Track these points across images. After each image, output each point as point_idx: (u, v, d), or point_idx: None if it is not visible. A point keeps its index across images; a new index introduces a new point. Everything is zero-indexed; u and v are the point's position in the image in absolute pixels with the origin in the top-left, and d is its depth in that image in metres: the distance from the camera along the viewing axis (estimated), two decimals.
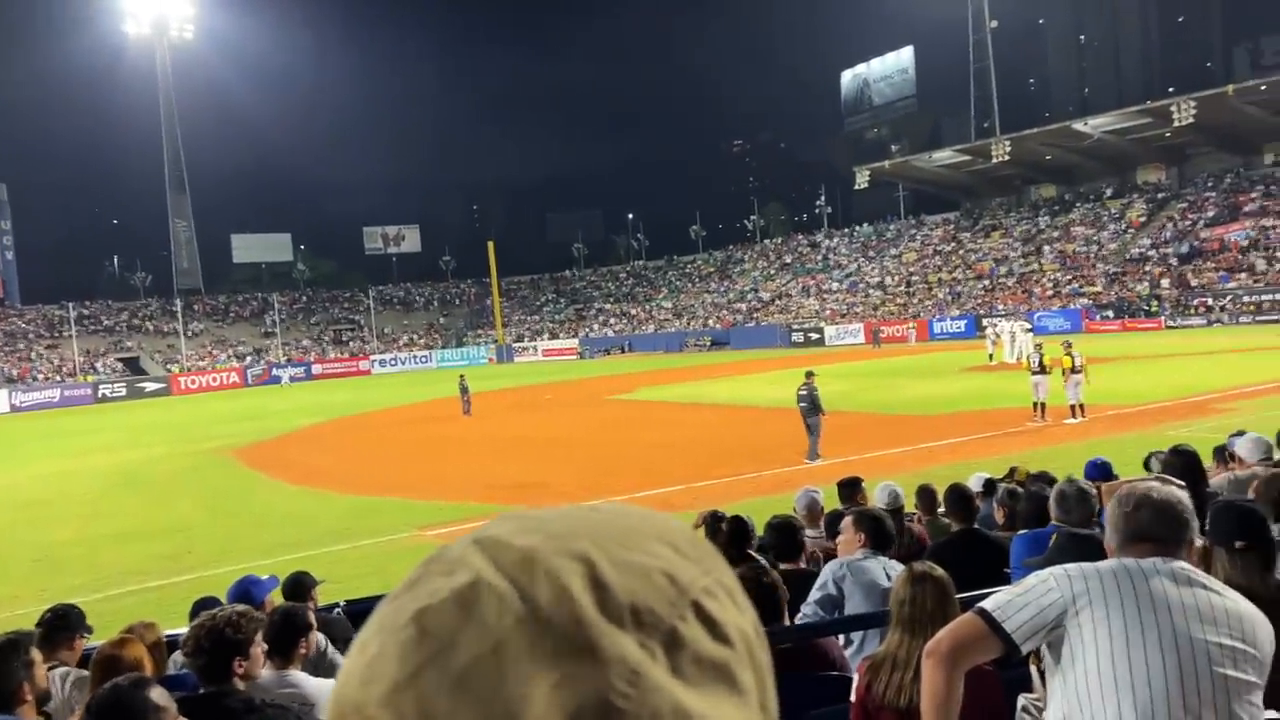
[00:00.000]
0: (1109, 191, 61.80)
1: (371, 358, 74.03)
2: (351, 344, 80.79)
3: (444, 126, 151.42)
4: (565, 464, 18.47)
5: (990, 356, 33.35)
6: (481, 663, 0.44)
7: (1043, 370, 18.68)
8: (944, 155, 68.10)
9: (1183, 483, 3.92)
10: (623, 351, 68.62)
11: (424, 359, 74.18)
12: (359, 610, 6.07)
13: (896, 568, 4.40)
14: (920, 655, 2.48)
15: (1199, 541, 2.39)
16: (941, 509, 6.84)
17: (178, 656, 4.48)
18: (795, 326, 61.83)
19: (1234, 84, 54.91)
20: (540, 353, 74.23)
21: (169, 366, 69.20)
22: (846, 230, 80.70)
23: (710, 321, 71.35)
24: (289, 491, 17.87)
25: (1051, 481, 6.94)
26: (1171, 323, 45.35)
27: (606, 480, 15.98)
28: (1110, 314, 48.49)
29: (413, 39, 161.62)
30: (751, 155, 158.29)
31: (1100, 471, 7.00)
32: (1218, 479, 6.26)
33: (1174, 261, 51.04)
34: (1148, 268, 51.76)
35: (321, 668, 4.34)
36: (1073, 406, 18.28)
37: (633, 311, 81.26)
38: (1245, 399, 19.06)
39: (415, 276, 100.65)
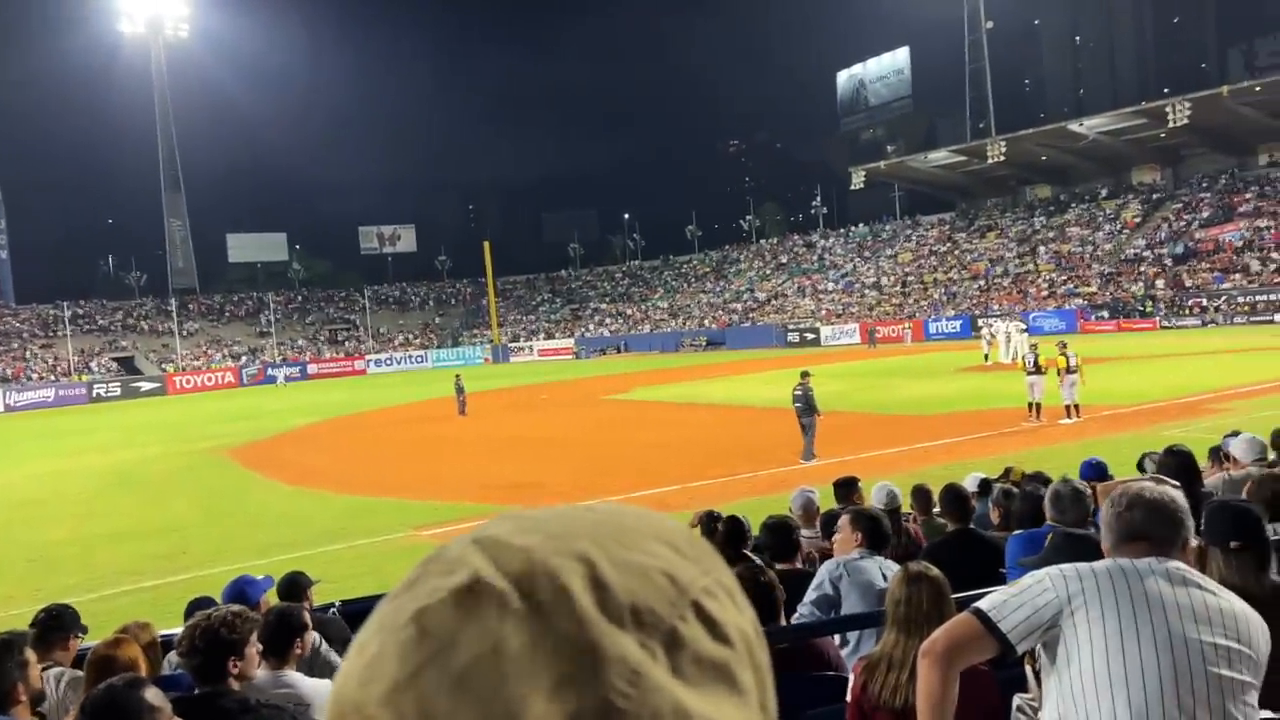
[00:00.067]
0: (1104, 192, 61.90)
1: (367, 357, 73.94)
2: (347, 344, 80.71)
3: (439, 126, 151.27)
4: (561, 464, 18.46)
5: (986, 357, 33.38)
6: (481, 662, 0.44)
7: (1038, 370, 18.73)
8: (939, 156, 68.20)
9: (1177, 483, 3.93)
10: (618, 351, 68.58)
11: (419, 359, 74.16)
12: (354, 610, 6.06)
13: (893, 568, 4.40)
14: (916, 655, 2.49)
15: (1194, 542, 2.39)
16: (937, 509, 6.84)
17: (173, 657, 4.46)
18: (791, 326, 61.89)
19: (1229, 85, 55.17)
20: (536, 353, 74.24)
21: (164, 366, 69.05)
22: (842, 230, 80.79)
23: (706, 321, 71.38)
24: (284, 491, 17.84)
25: (1047, 481, 6.93)
26: (1166, 323, 45.41)
27: (602, 480, 15.97)
28: (1105, 314, 48.59)
29: (408, 39, 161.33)
30: (747, 155, 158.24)
31: (1095, 471, 7.00)
32: (1213, 479, 6.28)
33: (1169, 262, 51.15)
34: (1143, 268, 51.87)
35: (316, 667, 4.33)
36: (1068, 407, 18.32)
37: (628, 311, 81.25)
38: (1240, 399, 19.11)
39: (411, 276, 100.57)
